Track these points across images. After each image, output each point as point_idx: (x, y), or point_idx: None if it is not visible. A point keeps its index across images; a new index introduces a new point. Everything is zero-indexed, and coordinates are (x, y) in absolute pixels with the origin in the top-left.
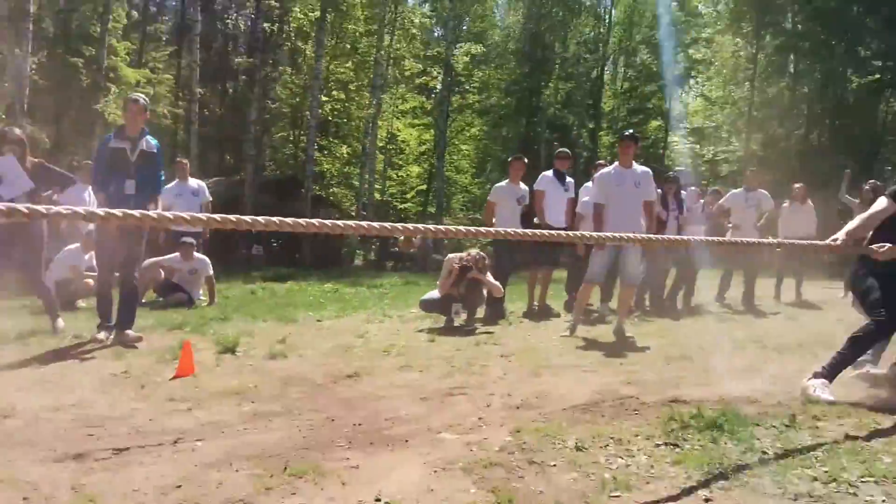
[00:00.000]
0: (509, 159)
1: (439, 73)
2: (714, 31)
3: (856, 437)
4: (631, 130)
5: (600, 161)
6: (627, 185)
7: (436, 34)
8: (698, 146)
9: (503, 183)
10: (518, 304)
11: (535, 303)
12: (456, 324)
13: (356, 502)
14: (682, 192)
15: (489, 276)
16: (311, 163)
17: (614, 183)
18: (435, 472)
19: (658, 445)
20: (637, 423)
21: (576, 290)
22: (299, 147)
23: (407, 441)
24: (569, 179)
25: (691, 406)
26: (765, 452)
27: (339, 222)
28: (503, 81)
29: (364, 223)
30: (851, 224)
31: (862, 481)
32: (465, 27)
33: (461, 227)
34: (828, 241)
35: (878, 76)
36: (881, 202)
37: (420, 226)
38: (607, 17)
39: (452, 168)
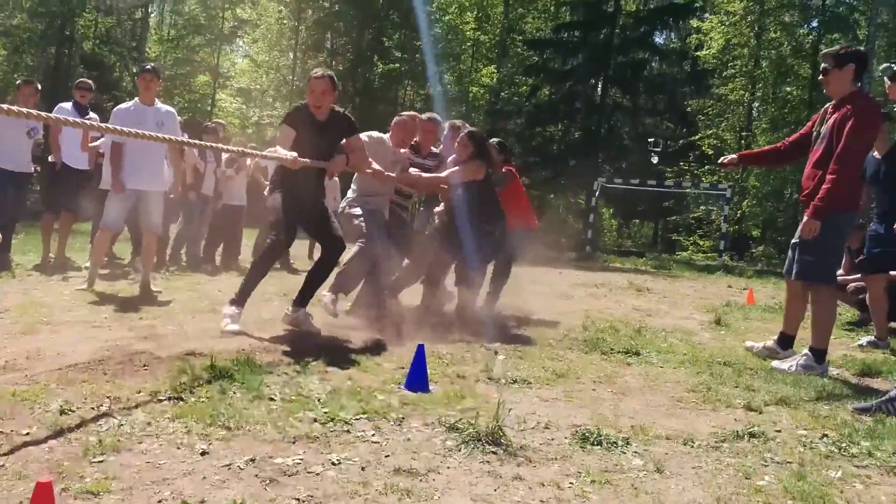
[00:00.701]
0: (18, 82)
1: None
2: None
3: (357, 380)
4: (152, 64)
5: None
6: (148, 123)
7: None
8: (245, 107)
9: (68, 104)
10: (31, 257)
11: (52, 255)
12: None
13: None
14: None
15: None
16: None
17: (134, 120)
18: None
19: (160, 401)
20: (144, 379)
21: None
22: None
23: None
24: (92, 114)
25: (206, 358)
26: (272, 399)
27: None
28: (28, 1)
29: None
30: None
31: (356, 419)
32: None
33: None
34: None
35: (397, 65)
36: None
37: None
38: None
39: None
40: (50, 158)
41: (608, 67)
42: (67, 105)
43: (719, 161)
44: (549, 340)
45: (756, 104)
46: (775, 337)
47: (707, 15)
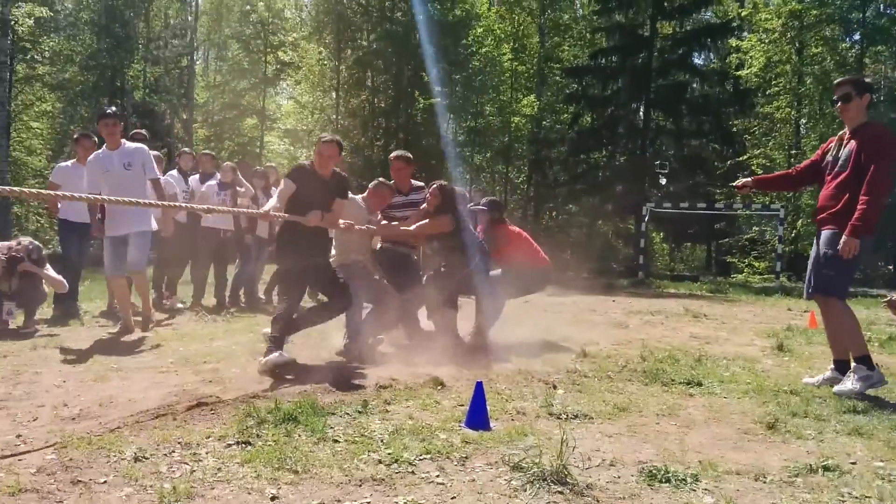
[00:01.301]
0: (75, 136)
1: None
2: (300, 36)
3: (418, 418)
4: (111, 109)
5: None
6: (115, 167)
7: None
8: (292, 147)
9: (68, 163)
10: (97, 303)
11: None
12: (11, 326)
13: None
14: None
15: (49, 269)
16: None
17: (103, 167)
18: None
19: (229, 445)
20: (211, 423)
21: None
22: None
23: None
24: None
25: (270, 401)
26: (336, 441)
27: None
28: (79, 55)
29: None
30: None
31: (420, 459)
32: None
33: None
34: None
35: (437, 99)
36: None
37: None
38: (194, 3)
39: (22, 148)
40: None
41: (649, 91)
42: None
43: (734, 185)
44: (607, 372)
45: (803, 121)
46: (831, 366)
47: (745, 34)
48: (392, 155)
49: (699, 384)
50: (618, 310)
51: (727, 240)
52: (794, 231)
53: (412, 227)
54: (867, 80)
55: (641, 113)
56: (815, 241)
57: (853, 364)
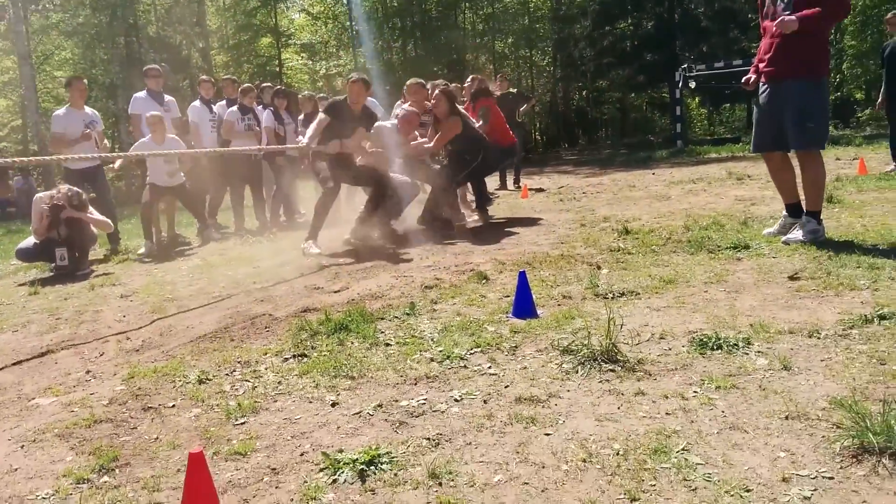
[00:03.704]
0: (66, 82)
1: None
2: None
3: (465, 314)
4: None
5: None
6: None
7: None
8: (311, 62)
9: (61, 110)
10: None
11: (164, 233)
12: (69, 271)
13: None
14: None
15: (93, 212)
16: None
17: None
18: (22, 446)
19: (286, 359)
20: (267, 340)
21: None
22: None
23: None
24: (168, 98)
25: (321, 313)
26: (388, 344)
27: None
28: None
29: None
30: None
31: (471, 353)
32: None
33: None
34: None
35: None
36: None
37: None
38: None
39: (50, 98)
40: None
41: None
42: (142, 94)
43: (742, 82)
44: (651, 246)
45: None
46: (785, 213)
47: None
48: (409, 81)
49: (746, 247)
50: (658, 182)
51: None
52: (839, 76)
53: (432, 143)
54: None
55: None
56: (766, 95)
57: (804, 216)
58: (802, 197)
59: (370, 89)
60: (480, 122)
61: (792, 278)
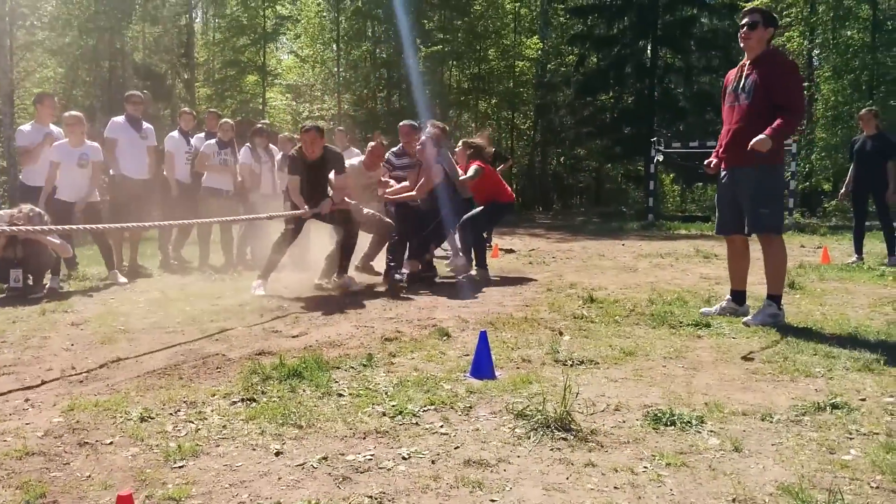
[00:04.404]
0: (36, 98)
1: None
2: None
3: (423, 370)
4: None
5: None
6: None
7: None
8: (295, 103)
9: (27, 126)
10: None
11: (125, 263)
12: (22, 294)
13: None
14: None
15: (52, 236)
16: None
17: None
18: None
19: (234, 403)
20: (217, 381)
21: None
22: None
23: None
24: (146, 126)
25: (276, 357)
26: (340, 395)
27: None
28: (76, 18)
29: None
30: None
31: (424, 410)
32: None
33: None
34: None
35: (440, 47)
36: None
37: None
38: None
39: (27, 115)
40: (111, 171)
41: (656, 28)
42: (120, 119)
43: (706, 165)
44: (615, 317)
45: (816, 52)
46: (728, 297)
47: None
48: (402, 123)
49: (707, 325)
50: (627, 253)
51: None
52: (808, 166)
53: (414, 191)
54: (775, 16)
55: (649, 51)
56: (726, 180)
57: (766, 300)
58: (764, 282)
59: (349, 136)
60: (469, 175)
61: (745, 358)
